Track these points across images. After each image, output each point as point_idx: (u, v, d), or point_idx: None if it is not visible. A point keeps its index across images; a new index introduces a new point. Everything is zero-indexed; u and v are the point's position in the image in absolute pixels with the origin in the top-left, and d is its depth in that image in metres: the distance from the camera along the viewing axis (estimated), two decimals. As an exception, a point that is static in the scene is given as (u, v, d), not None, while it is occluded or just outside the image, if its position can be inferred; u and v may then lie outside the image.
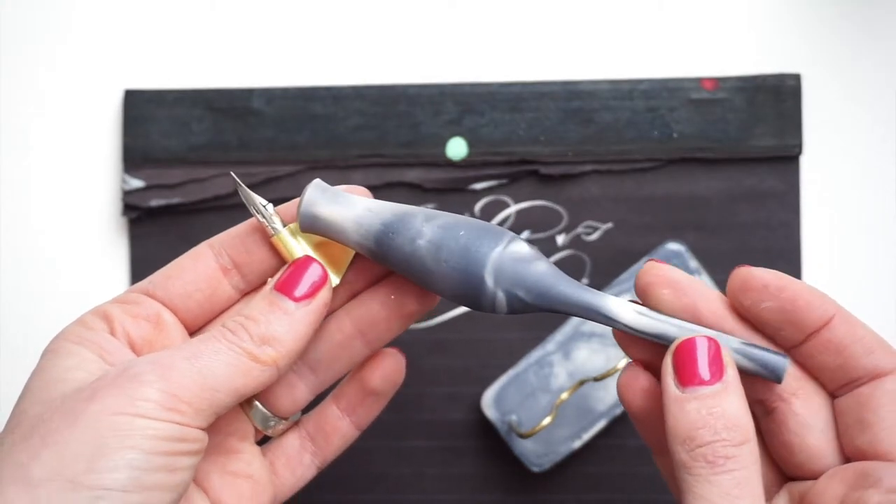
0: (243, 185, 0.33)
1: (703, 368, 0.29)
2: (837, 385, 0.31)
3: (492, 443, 0.47)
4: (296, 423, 0.37)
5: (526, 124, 0.47)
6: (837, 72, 0.47)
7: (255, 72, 0.48)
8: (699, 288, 0.31)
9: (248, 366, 0.30)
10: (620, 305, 0.31)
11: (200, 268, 0.33)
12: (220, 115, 0.47)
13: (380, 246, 0.32)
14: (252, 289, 0.34)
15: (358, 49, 0.48)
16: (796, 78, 0.47)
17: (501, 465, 0.47)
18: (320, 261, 0.33)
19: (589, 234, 0.47)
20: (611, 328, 0.31)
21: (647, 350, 0.32)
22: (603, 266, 0.47)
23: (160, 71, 0.48)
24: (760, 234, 0.47)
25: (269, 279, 0.32)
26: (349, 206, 0.32)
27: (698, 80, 0.47)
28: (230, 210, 0.47)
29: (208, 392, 0.29)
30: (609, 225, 0.47)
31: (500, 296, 0.31)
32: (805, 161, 0.47)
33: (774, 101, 0.46)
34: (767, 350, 0.31)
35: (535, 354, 0.45)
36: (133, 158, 0.47)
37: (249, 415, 0.35)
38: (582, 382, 0.44)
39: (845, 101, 0.47)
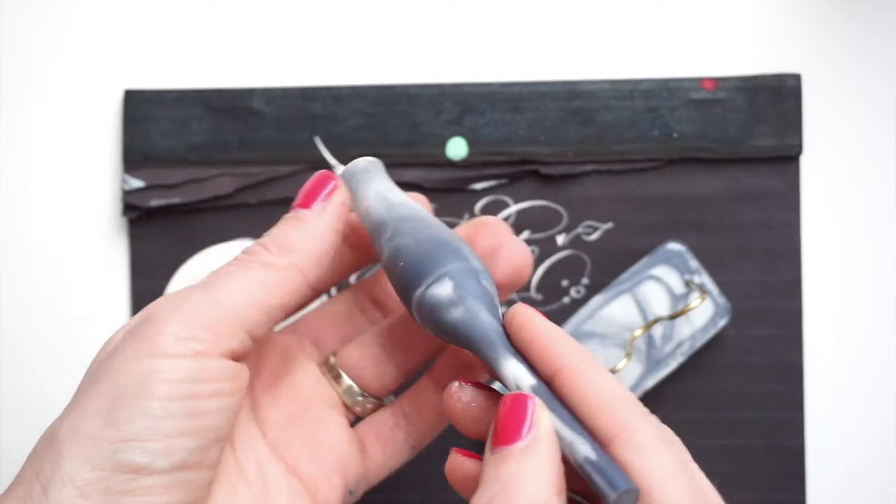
0: (324, 147, 0.36)
1: (513, 430, 0.28)
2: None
3: (492, 443, 0.46)
4: (394, 403, 0.35)
5: (526, 124, 0.47)
6: (838, 72, 0.47)
7: (255, 72, 0.48)
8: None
9: (269, 276, 0.29)
10: (517, 375, 0.29)
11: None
12: (220, 115, 0.47)
13: (374, 242, 0.33)
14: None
15: (358, 49, 0.48)
16: (796, 78, 0.47)
17: (501, 466, 0.47)
18: None
19: (589, 234, 0.47)
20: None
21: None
22: (603, 266, 0.47)
23: (160, 71, 0.48)
24: (760, 234, 0.47)
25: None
26: (371, 196, 0.33)
27: (698, 80, 0.47)
28: (230, 210, 0.47)
29: (230, 312, 0.28)
30: (609, 225, 0.47)
31: (427, 328, 0.31)
32: (805, 161, 0.47)
33: (775, 101, 0.46)
34: (619, 477, 0.27)
35: (536, 354, 0.45)
36: (133, 158, 0.47)
37: (338, 389, 0.34)
38: (582, 382, 0.44)
39: (846, 101, 0.47)
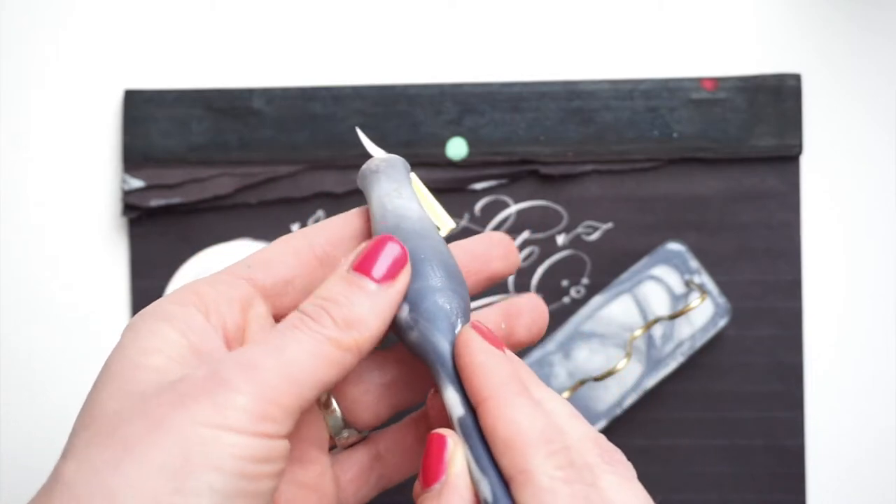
0: (366, 138, 0.34)
1: (431, 472, 0.28)
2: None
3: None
4: (367, 439, 0.34)
5: (526, 124, 0.47)
6: (838, 72, 0.47)
7: (255, 72, 0.48)
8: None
9: (332, 353, 0.28)
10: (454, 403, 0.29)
11: (300, 255, 0.31)
12: (220, 115, 0.47)
13: None
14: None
15: (358, 49, 0.48)
16: (796, 78, 0.47)
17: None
18: (428, 212, 0.32)
19: (589, 234, 0.47)
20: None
21: None
22: (603, 266, 0.47)
23: (160, 71, 0.48)
24: (760, 234, 0.47)
25: (343, 259, 0.30)
26: (403, 194, 0.32)
27: (698, 80, 0.47)
28: (230, 210, 0.47)
29: (296, 388, 0.27)
30: (609, 225, 0.47)
31: (405, 311, 0.30)
32: (805, 161, 0.47)
33: (775, 101, 0.46)
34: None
35: (536, 354, 0.45)
36: (133, 158, 0.47)
37: (327, 419, 0.33)
38: (582, 382, 0.44)
39: (846, 100, 0.47)
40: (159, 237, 0.47)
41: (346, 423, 0.33)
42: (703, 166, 0.47)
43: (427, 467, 0.28)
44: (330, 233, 0.32)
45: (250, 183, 0.47)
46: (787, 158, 0.47)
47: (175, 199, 0.47)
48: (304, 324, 0.28)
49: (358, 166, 0.47)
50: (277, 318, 0.31)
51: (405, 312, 0.30)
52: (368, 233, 0.32)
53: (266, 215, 0.47)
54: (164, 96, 0.47)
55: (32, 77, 0.48)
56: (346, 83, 0.47)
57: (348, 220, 0.33)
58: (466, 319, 0.30)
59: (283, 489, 0.31)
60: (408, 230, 0.31)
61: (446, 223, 0.33)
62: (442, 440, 0.28)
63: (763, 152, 0.46)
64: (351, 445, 0.34)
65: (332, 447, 0.34)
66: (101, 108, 0.48)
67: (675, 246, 0.46)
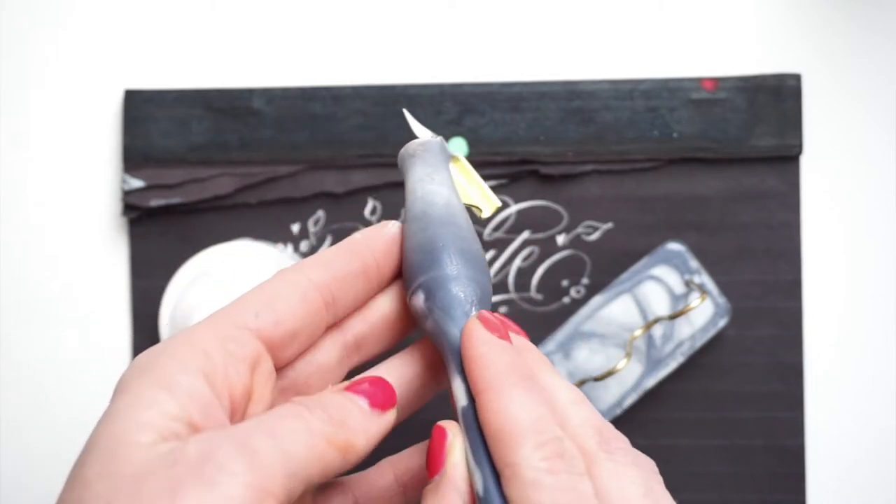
0: (413, 118, 0.34)
1: (434, 461, 0.28)
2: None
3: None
4: (342, 486, 0.33)
5: (526, 124, 0.47)
6: (838, 72, 0.47)
7: (255, 72, 0.48)
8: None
9: (325, 451, 0.27)
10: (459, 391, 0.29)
11: (308, 301, 0.30)
12: (220, 115, 0.47)
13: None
14: (336, 321, 0.31)
15: (358, 49, 0.48)
16: (796, 78, 0.47)
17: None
18: (472, 192, 0.33)
19: (589, 234, 0.47)
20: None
21: None
22: (603, 266, 0.47)
23: (160, 71, 0.48)
24: (760, 234, 0.47)
25: (331, 386, 0.30)
26: (444, 177, 0.32)
27: (698, 80, 0.47)
28: (230, 210, 0.47)
29: (289, 479, 0.26)
30: (609, 225, 0.47)
31: (419, 296, 0.31)
32: (805, 161, 0.47)
33: (775, 101, 0.46)
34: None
35: (536, 354, 0.45)
36: (133, 158, 0.47)
37: None
38: (582, 382, 0.44)
39: (846, 100, 0.47)
40: (159, 237, 0.47)
41: None
42: (703, 166, 0.47)
43: (429, 459, 0.28)
44: (336, 270, 0.31)
45: (250, 183, 0.47)
46: (787, 158, 0.47)
47: (175, 199, 0.47)
48: (300, 413, 0.27)
49: (359, 166, 0.47)
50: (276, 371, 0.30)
51: (421, 301, 0.30)
52: (376, 269, 0.31)
53: (266, 215, 0.47)
54: (164, 96, 0.47)
55: (32, 77, 0.48)
56: (346, 83, 0.47)
57: (355, 254, 0.31)
58: (484, 306, 0.30)
59: None
60: (432, 216, 0.31)
61: (490, 203, 0.33)
62: (442, 432, 0.28)
63: (763, 152, 0.46)
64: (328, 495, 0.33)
65: None
66: (101, 108, 0.48)
67: (675, 246, 0.46)
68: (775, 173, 0.47)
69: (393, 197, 0.47)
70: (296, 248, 0.47)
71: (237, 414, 0.28)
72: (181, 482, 0.24)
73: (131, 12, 0.48)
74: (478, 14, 0.48)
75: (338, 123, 0.47)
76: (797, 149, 0.46)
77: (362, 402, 0.29)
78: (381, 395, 0.29)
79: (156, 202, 0.47)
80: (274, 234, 0.47)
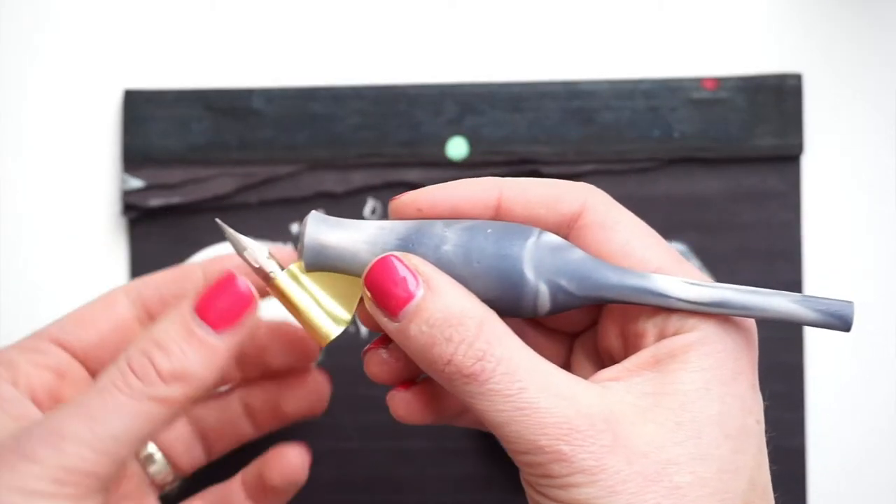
0: (229, 228, 0.30)
1: (400, 287, 0.26)
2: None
3: (492, 443, 0.46)
4: (199, 494, 0.35)
5: (526, 124, 0.47)
6: (839, 71, 0.47)
7: (255, 72, 0.48)
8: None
9: (155, 411, 0.27)
10: (670, 282, 0.29)
11: (115, 316, 0.32)
12: (220, 115, 0.47)
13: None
14: None
15: (358, 49, 0.48)
16: (797, 77, 0.46)
17: (502, 466, 0.47)
18: (327, 301, 0.29)
19: (589, 234, 0.47)
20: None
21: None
22: (603, 266, 0.47)
23: (160, 71, 0.48)
24: (761, 234, 0.47)
25: (186, 297, 0.28)
26: (357, 229, 0.30)
27: (699, 80, 0.47)
28: (230, 210, 0.47)
29: (107, 455, 0.26)
30: (609, 225, 0.47)
31: (543, 288, 0.29)
32: (806, 161, 0.47)
33: (775, 101, 0.46)
34: (831, 300, 0.28)
35: (536, 355, 0.45)
36: (133, 158, 0.47)
37: (147, 469, 0.33)
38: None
39: (847, 100, 0.47)
40: (159, 237, 0.47)
41: (172, 469, 0.34)
42: (704, 166, 0.47)
43: (395, 287, 0.27)
44: (163, 289, 0.32)
45: (250, 183, 0.47)
46: (787, 158, 0.47)
47: (175, 199, 0.47)
48: (125, 384, 0.27)
49: (358, 166, 0.47)
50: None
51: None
52: (181, 291, 0.32)
53: (266, 215, 0.47)
54: (164, 96, 0.47)
55: (32, 77, 0.48)
56: (346, 83, 0.47)
57: (185, 275, 0.32)
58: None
59: None
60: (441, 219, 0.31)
61: (321, 332, 0.29)
62: (389, 260, 0.27)
63: (764, 152, 0.46)
64: (170, 487, 0.35)
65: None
66: (101, 108, 0.48)
67: (675, 245, 0.46)
68: (776, 173, 0.47)
69: (393, 196, 0.47)
70: (295, 248, 0.47)
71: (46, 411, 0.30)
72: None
73: (131, 12, 0.48)
74: (478, 14, 0.48)
75: (338, 123, 0.47)
76: (798, 149, 0.46)
77: (207, 336, 0.27)
78: (230, 305, 0.28)
79: (156, 202, 0.47)
80: (274, 233, 0.47)
